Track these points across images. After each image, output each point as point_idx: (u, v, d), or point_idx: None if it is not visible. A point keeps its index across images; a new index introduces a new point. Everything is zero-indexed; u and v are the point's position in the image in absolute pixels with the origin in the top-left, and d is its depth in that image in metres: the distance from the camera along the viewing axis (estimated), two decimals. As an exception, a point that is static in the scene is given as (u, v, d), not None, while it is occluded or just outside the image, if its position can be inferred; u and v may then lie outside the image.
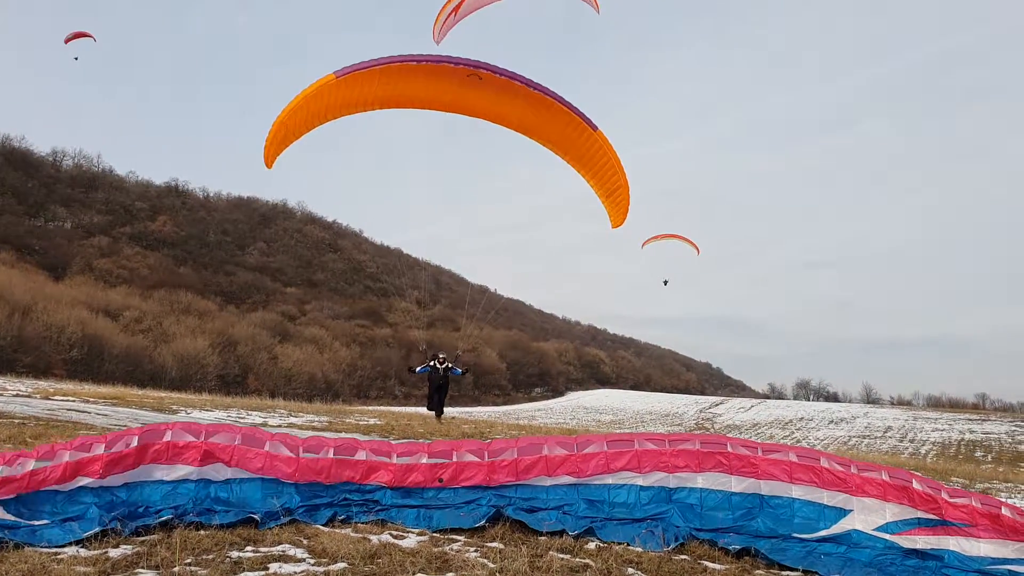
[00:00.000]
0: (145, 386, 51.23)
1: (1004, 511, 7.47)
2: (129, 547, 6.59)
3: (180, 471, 8.03)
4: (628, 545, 7.76)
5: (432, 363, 25.99)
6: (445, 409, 27.44)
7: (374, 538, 7.36)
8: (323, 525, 7.83)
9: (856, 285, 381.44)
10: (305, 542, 7.10)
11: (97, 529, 6.87)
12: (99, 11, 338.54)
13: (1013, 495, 16.96)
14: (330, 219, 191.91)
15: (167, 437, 8.18)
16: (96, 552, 6.43)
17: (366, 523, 8.04)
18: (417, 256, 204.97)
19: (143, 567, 6.09)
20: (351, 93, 12.20)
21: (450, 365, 26.09)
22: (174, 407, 26.38)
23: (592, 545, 7.71)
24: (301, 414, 28.01)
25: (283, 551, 6.77)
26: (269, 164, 12.58)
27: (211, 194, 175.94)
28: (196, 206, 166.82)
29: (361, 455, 8.81)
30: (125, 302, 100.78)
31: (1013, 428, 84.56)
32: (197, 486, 8.03)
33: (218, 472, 8.18)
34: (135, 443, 7.94)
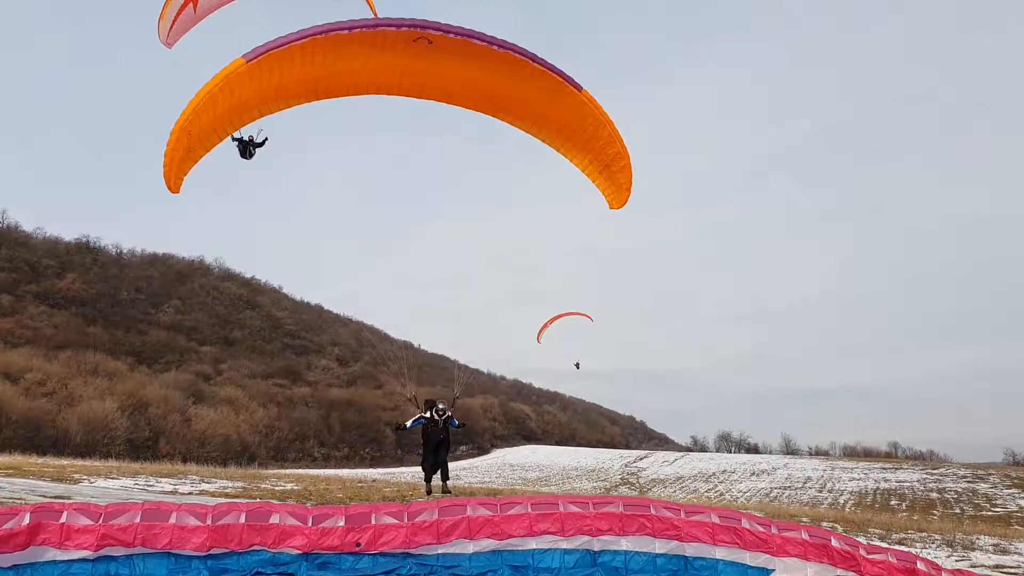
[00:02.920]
0: (46, 453, 48.36)
1: (919, 565, 7.59)
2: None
3: (76, 554, 7.43)
4: (553, 613, 7.57)
5: (429, 413, 20.71)
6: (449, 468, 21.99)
7: (285, 617, 6.95)
8: (231, 603, 7.37)
9: (771, 337, 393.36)
10: (210, 625, 6.66)
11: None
12: (4, 65, 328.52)
13: (927, 545, 17.38)
14: (248, 275, 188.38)
15: (63, 519, 7.55)
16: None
17: (278, 600, 7.59)
18: (338, 312, 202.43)
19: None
20: (268, 81, 9.88)
21: (450, 415, 20.95)
22: (76, 475, 24.90)
23: (516, 615, 7.47)
24: (214, 480, 26.84)
25: (185, 636, 6.32)
26: (173, 187, 9.98)
27: (125, 251, 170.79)
28: (108, 263, 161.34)
29: (275, 519, 8.39)
30: (27, 363, 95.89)
31: (924, 476, 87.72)
32: (95, 565, 7.45)
33: (118, 553, 7.62)
34: (27, 520, 7.32)
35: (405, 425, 21.20)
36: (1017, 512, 61.79)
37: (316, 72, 10.10)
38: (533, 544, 8.52)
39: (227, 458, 79.94)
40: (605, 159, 11.52)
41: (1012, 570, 13.89)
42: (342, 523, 8.45)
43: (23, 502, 15.58)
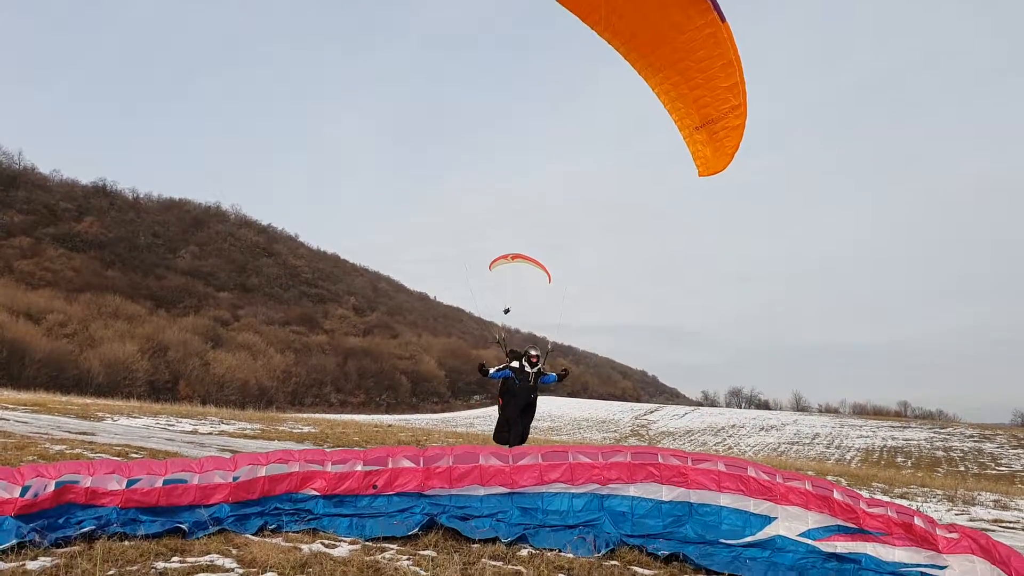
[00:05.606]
0: (69, 392, 49.46)
1: (916, 520, 7.78)
2: (48, 559, 6.37)
3: (101, 511, 7.70)
4: (560, 551, 7.85)
5: (519, 363, 15.88)
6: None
7: (305, 547, 7.28)
8: (253, 535, 7.70)
9: (785, 295, 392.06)
10: (234, 552, 6.99)
11: (14, 541, 6.57)
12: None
13: (928, 500, 17.66)
14: (265, 222, 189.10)
15: (87, 483, 7.76)
16: (12, 564, 6.19)
17: (298, 532, 7.93)
18: (355, 262, 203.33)
19: (63, 580, 5.91)
20: None
21: (543, 369, 16.14)
22: (100, 414, 25.56)
23: (524, 552, 7.77)
24: (233, 421, 27.47)
25: (211, 561, 6.65)
26: None
27: (141, 195, 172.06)
28: (125, 207, 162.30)
29: (295, 467, 8.66)
30: (48, 305, 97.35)
31: (931, 435, 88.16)
32: (122, 510, 7.72)
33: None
34: (52, 488, 7.49)
35: (489, 371, 16.49)
36: (1021, 471, 62.08)
37: None
38: (543, 491, 8.81)
39: (245, 401, 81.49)
40: (715, 112, 9.17)
41: (1010, 524, 14.13)
42: (359, 467, 8.75)
43: (48, 437, 16.08)
